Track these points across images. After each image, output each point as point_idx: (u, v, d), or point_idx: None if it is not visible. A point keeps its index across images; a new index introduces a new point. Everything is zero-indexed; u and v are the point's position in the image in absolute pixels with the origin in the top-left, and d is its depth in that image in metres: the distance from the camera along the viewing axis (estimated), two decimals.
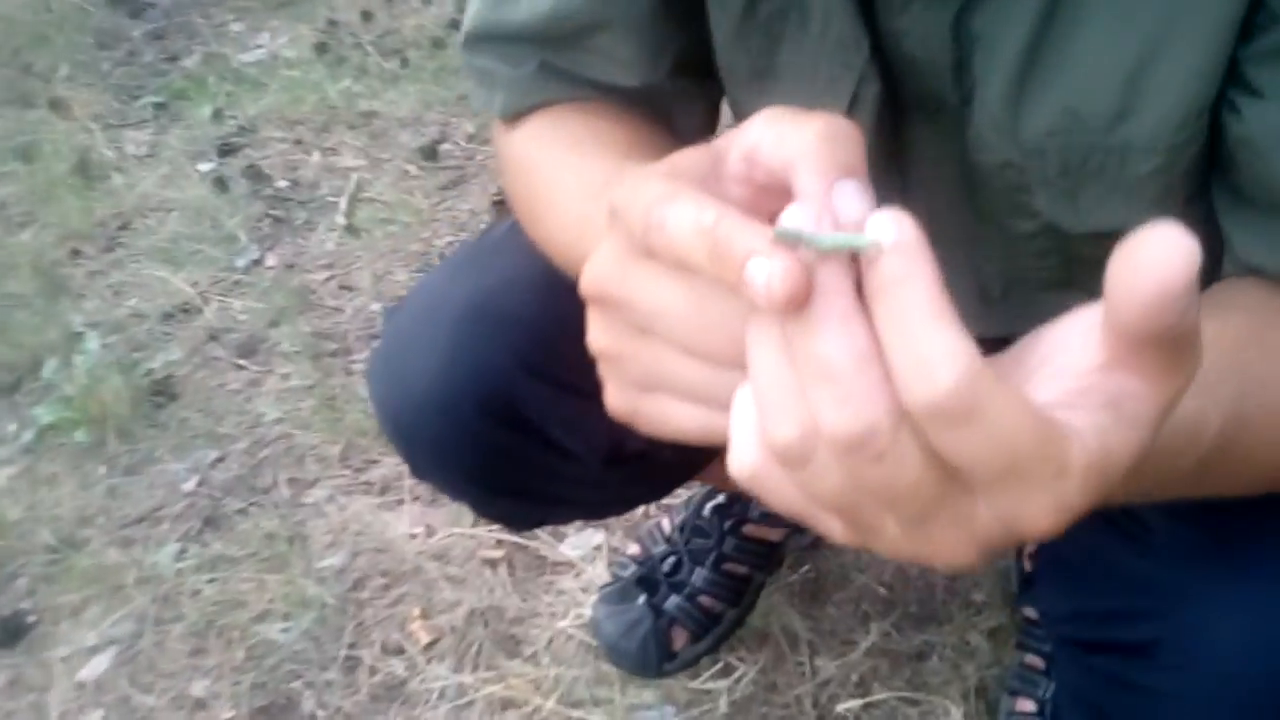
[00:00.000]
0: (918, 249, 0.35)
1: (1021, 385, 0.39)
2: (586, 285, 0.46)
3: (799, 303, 0.36)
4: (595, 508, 1.10)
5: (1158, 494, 0.54)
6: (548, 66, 0.77)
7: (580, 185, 0.71)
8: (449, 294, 0.88)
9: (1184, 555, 0.70)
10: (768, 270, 0.37)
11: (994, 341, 0.86)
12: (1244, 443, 0.56)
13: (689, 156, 0.45)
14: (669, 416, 0.46)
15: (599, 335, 0.46)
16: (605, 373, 0.48)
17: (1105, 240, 0.70)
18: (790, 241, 0.37)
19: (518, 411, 0.85)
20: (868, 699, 1.27)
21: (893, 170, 0.77)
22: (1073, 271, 0.77)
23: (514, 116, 0.80)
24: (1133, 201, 0.67)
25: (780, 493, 0.40)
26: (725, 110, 0.85)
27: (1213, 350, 0.53)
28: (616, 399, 0.47)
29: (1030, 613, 1.26)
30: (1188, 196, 0.68)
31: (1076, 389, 0.38)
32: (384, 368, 0.90)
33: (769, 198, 0.42)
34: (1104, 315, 0.36)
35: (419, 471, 0.94)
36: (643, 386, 0.46)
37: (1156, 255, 0.33)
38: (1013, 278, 0.80)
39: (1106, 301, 0.35)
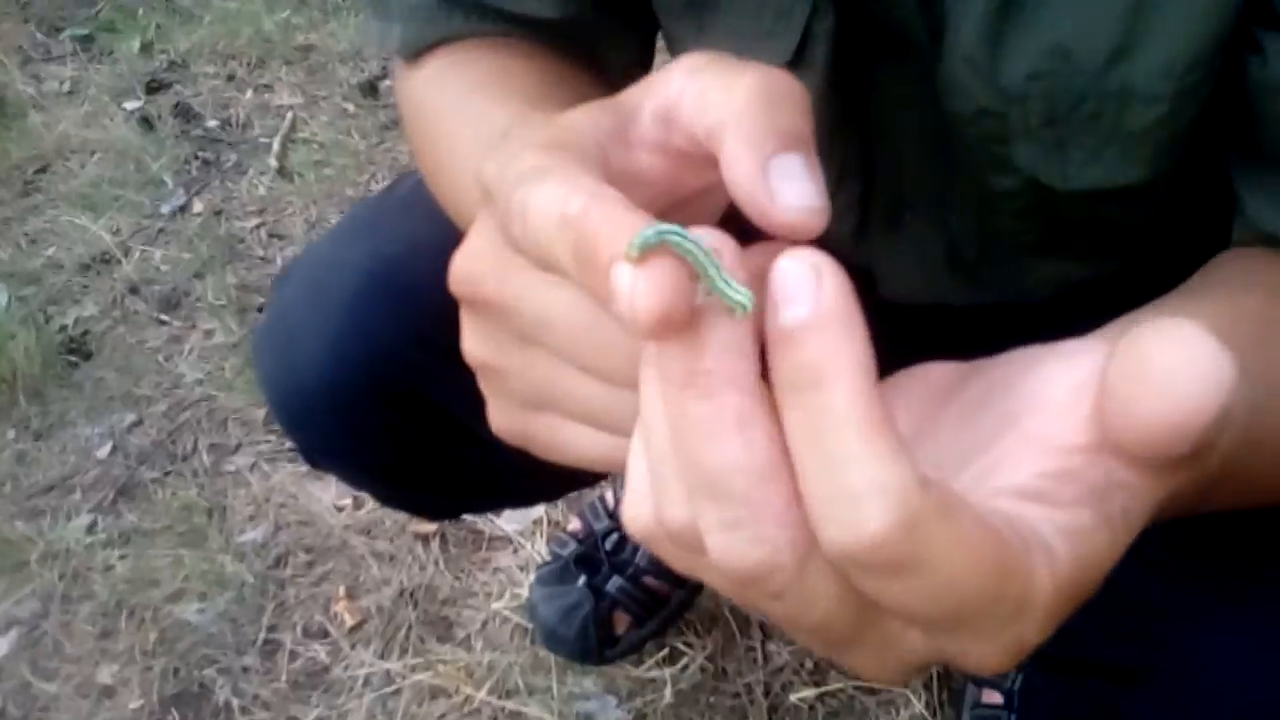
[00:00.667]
0: (844, 328, 0.25)
1: (986, 448, 0.29)
2: (455, 284, 0.38)
3: (672, 329, 0.27)
4: (521, 495, 1.00)
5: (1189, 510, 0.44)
6: None
7: (477, 137, 0.60)
8: (343, 261, 0.76)
9: (1182, 573, 0.61)
10: (631, 280, 0.27)
11: (963, 310, 0.77)
12: (1261, 447, 0.46)
13: (586, 115, 0.36)
14: (565, 441, 0.39)
15: (475, 344, 0.39)
16: (486, 388, 0.40)
17: (1096, 200, 0.59)
18: (654, 250, 0.26)
19: (422, 397, 0.74)
20: (823, 688, 1.18)
21: (851, 119, 0.66)
22: (1057, 234, 0.67)
23: (414, 54, 0.69)
24: (1130, 156, 0.57)
25: (678, 563, 0.31)
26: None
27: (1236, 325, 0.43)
28: (501, 419, 0.40)
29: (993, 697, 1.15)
30: (1193, 150, 0.58)
31: (1054, 471, 0.28)
32: (270, 346, 0.78)
33: (689, 169, 0.36)
34: (1098, 403, 0.28)
35: (314, 463, 0.83)
36: (532, 405, 0.39)
37: (1178, 381, 0.26)
38: (989, 240, 0.70)
39: (1105, 400, 0.27)
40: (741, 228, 0.33)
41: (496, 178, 0.35)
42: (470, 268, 0.37)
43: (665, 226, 0.28)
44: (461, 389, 0.74)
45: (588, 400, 0.36)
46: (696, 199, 0.38)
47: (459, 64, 0.67)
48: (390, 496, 0.90)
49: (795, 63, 0.63)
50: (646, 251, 0.27)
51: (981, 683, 1.14)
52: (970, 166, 0.64)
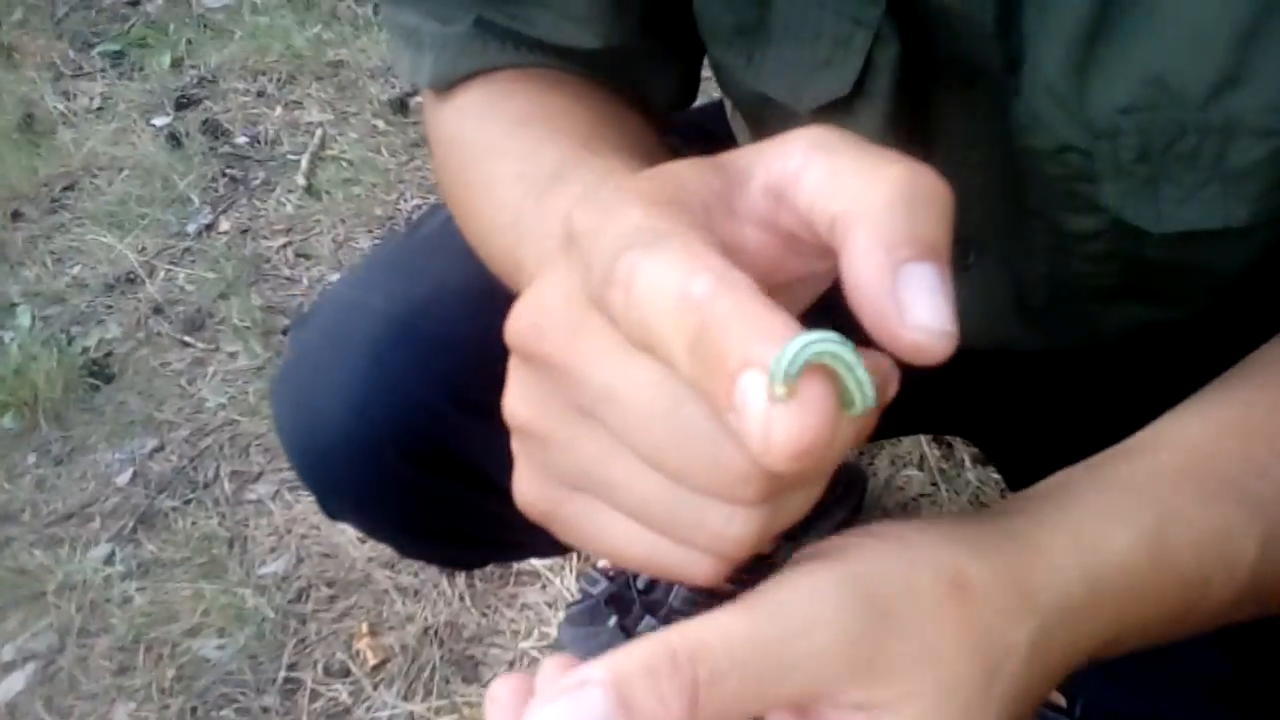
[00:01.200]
0: None
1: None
2: (514, 334, 0.33)
3: (811, 462, 0.27)
4: (551, 546, 0.94)
5: (1184, 632, 0.40)
6: (485, 24, 0.61)
7: (522, 175, 0.55)
8: (365, 305, 0.71)
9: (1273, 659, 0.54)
10: (769, 409, 0.26)
11: (1029, 355, 0.71)
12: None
13: (695, 173, 0.32)
14: (599, 529, 0.34)
15: (521, 404, 0.34)
16: (521, 453, 0.35)
17: (1187, 243, 0.53)
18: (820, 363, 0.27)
19: (449, 451, 0.69)
20: None
21: (915, 154, 0.60)
22: (1137, 280, 0.61)
23: (446, 86, 0.64)
24: (1232, 195, 0.51)
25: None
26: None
27: (1249, 439, 0.42)
28: (530, 490, 0.35)
29: (1056, 697, 1.08)
30: None
31: None
32: (288, 394, 0.73)
33: (795, 254, 0.32)
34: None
35: (332, 514, 0.78)
36: (570, 483, 0.34)
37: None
38: (1060, 284, 0.63)
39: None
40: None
41: (591, 229, 0.30)
42: (536, 319, 0.32)
43: (817, 338, 0.26)
44: (489, 444, 0.68)
45: (641, 494, 0.32)
46: (788, 288, 0.33)
47: (497, 96, 0.62)
48: (411, 549, 0.85)
49: (854, 95, 0.57)
50: (793, 379, 0.25)
51: None
52: (1046, 206, 0.58)
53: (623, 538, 0.33)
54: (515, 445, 0.35)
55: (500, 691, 0.34)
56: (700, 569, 0.32)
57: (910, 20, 0.54)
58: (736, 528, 0.31)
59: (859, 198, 0.29)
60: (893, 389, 0.32)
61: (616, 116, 0.61)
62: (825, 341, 0.26)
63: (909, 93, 0.57)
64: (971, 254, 0.62)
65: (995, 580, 0.34)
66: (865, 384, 0.28)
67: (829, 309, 0.36)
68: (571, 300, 0.31)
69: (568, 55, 0.62)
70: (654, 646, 0.31)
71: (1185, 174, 0.51)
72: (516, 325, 0.33)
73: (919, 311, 0.28)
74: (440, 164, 0.64)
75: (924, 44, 0.55)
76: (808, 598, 0.32)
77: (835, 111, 0.58)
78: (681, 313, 0.27)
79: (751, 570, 0.35)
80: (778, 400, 0.26)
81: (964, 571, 0.34)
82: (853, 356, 0.27)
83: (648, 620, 1.17)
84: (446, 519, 0.75)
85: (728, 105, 0.81)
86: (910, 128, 0.59)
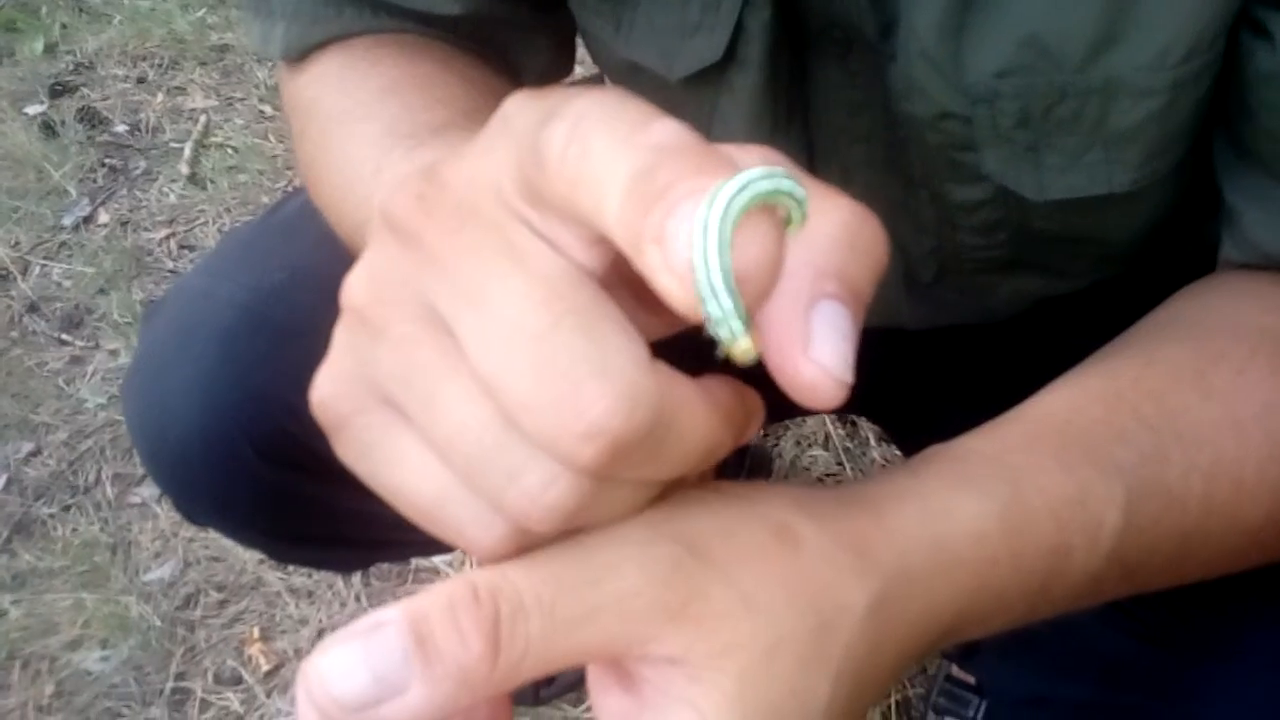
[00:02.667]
0: None
1: None
2: (394, 203, 0.28)
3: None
4: (434, 545, 0.91)
5: (1051, 606, 0.38)
6: None
7: (391, 133, 0.52)
8: (215, 294, 0.67)
9: (1179, 639, 0.53)
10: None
11: (923, 334, 0.69)
12: (1177, 521, 0.41)
13: None
14: (392, 458, 0.29)
15: (368, 282, 0.29)
16: (343, 340, 0.30)
17: (1072, 211, 0.52)
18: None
19: (307, 447, 0.65)
20: None
21: (794, 124, 0.58)
22: (1026, 250, 0.59)
23: (299, 56, 0.60)
24: (1115, 160, 0.50)
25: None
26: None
27: (1113, 407, 0.41)
28: (333, 386, 0.30)
29: (960, 672, 1.08)
30: (1184, 154, 0.51)
31: None
32: (139, 390, 0.69)
33: None
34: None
35: (193, 519, 0.73)
36: (384, 393, 0.29)
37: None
38: (949, 257, 0.62)
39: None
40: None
41: (531, 100, 0.28)
42: (425, 193, 0.28)
43: (762, 175, 0.24)
44: None
45: (461, 422, 0.27)
46: None
47: (360, 63, 0.58)
48: (284, 554, 0.80)
49: (726, 62, 0.55)
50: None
51: (943, 711, 1.07)
52: (930, 176, 0.57)
53: (414, 472, 0.29)
54: (339, 330, 0.30)
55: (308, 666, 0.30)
56: (486, 535, 0.28)
57: None
58: (553, 494, 0.27)
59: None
60: (755, 427, 0.31)
61: (494, 89, 0.58)
62: (782, 178, 0.24)
63: (785, 60, 0.55)
64: None
65: (827, 537, 0.32)
66: (804, 204, 0.26)
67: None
68: (476, 182, 0.27)
69: (430, 20, 0.59)
70: (455, 584, 0.28)
71: (1066, 139, 0.50)
72: (401, 195, 0.28)
73: (825, 348, 0.26)
74: (299, 133, 0.60)
75: (797, 8, 0.53)
76: (619, 539, 0.29)
77: (709, 80, 0.56)
78: (633, 146, 0.24)
79: None
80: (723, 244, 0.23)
81: (792, 525, 0.31)
82: (800, 189, 0.25)
83: None
84: (313, 519, 0.71)
85: (606, 82, 0.78)
86: (789, 97, 0.57)
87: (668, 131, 0.25)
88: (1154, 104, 0.48)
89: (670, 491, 0.31)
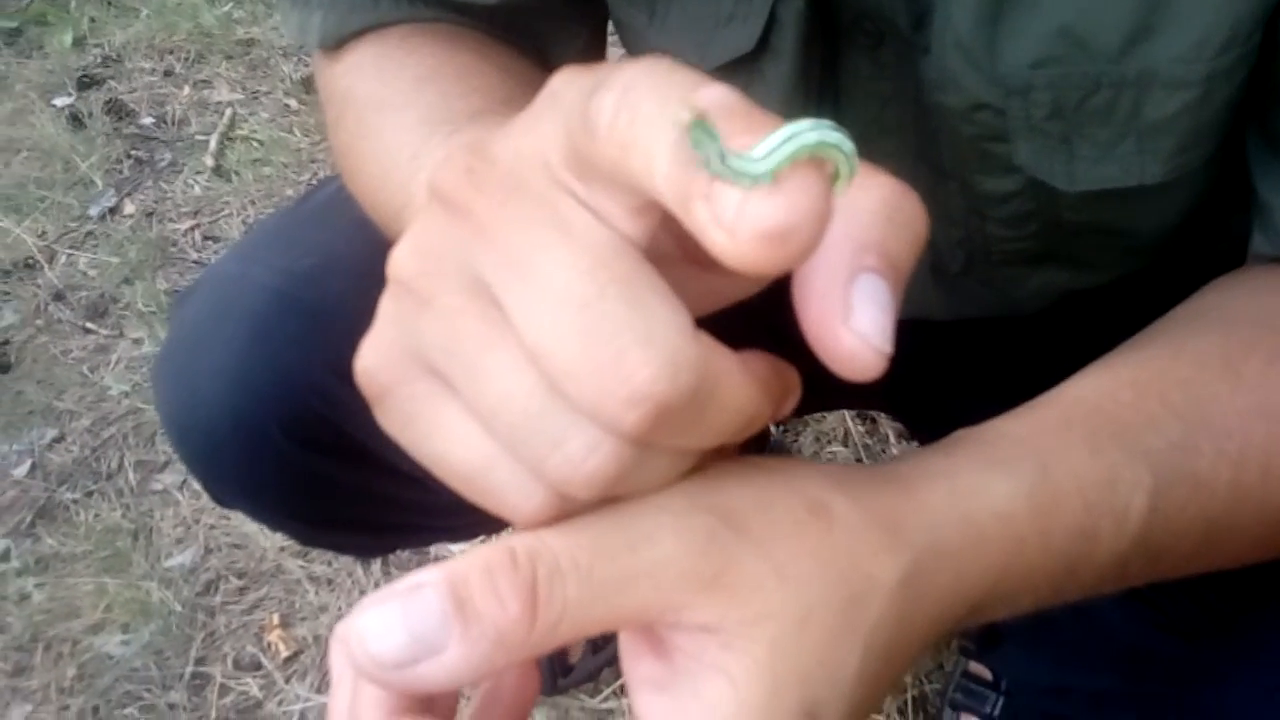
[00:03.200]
0: None
1: None
2: (444, 177, 0.28)
3: (780, 254, 0.24)
4: (458, 531, 0.91)
5: (1077, 589, 0.38)
6: None
7: (429, 120, 0.52)
8: (249, 278, 0.67)
9: (1200, 628, 0.53)
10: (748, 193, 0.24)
11: (948, 326, 0.69)
12: (1204, 508, 0.40)
13: None
14: (436, 427, 0.30)
15: (416, 253, 0.29)
16: (389, 310, 0.30)
17: (1103, 202, 0.52)
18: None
19: (339, 430, 0.65)
20: None
21: (824, 115, 0.58)
22: (1054, 242, 0.59)
23: (336, 44, 0.60)
24: (1148, 152, 0.50)
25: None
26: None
27: (1142, 393, 0.41)
28: (378, 356, 0.30)
29: (978, 668, 1.08)
30: (1216, 147, 0.50)
31: None
32: (170, 374, 0.69)
33: None
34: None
35: (221, 501, 0.74)
36: (429, 363, 0.29)
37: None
38: (977, 248, 0.62)
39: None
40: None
41: (579, 74, 0.28)
42: (474, 167, 0.28)
43: (810, 126, 0.24)
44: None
45: (506, 391, 0.27)
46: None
47: (397, 51, 0.58)
48: (310, 537, 0.81)
49: (759, 52, 0.55)
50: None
51: (960, 707, 1.07)
52: (960, 167, 0.57)
53: (459, 441, 0.29)
54: (385, 301, 0.30)
55: (342, 631, 0.30)
56: (527, 503, 0.29)
57: None
58: (595, 460, 0.27)
59: (847, 201, 0.27)
60: (793, 401, 0.31)
61: (530, 78, 0.58)
62: (825, 130, 0.24)
63: (817, 51, 0.55)
64: None
65: (859, 512, 0.32)
66: (854, 160, 0.26)
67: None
68: (524, 156, 0.28)
69: (465, 10, 0.59)
70: (493, 548, 0.28)
71: (1099, 130, 0.50)
72: (449, 168, 0.28)
73: (864, 319, 0.26)
74: (335, 121, 0.61)
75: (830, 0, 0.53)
76: (656, 508, 0.30)
77: (741, 70, 0.56)
78: (681, 108, 0.24)
79: None
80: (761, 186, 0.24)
81: (825, 500, 0.32)
82: (849, 143, 0.25)
83: None
84: (340, 502, 0.71)
85: None
86: (820, 88, 0.57)
87: (716, 94, 0.25)
88: (1188, 96, 0.47)
89: (707, 464, 0.31)
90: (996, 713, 1.05)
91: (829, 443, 1.33)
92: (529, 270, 0.26)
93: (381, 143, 0.54)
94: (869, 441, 1.32)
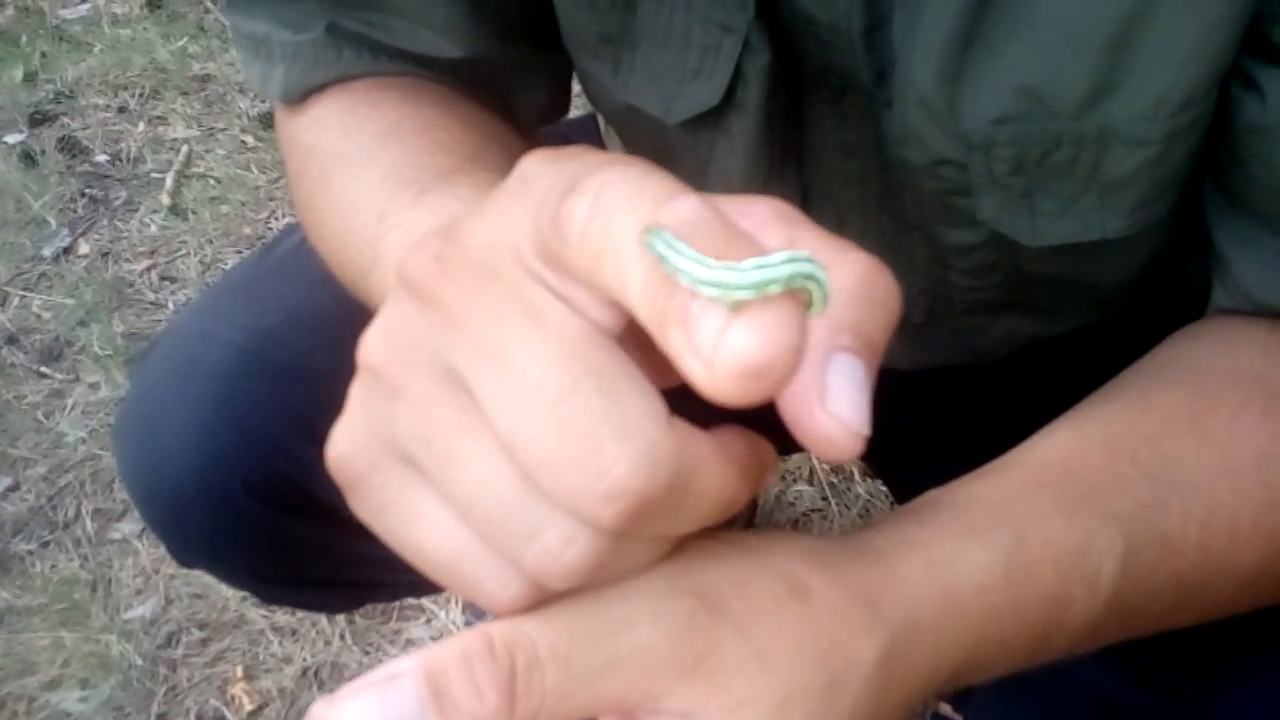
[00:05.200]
0: None
1: None
2: (413, 264, 0.28)
3: (753, 388, 0.24)
4: (423, 586, 0.90)
5: (1050, 654, 0.39)
6: (339, 30, 0.58)
7: (393, 178, 0.52)
8: (212, 335, 0.67)
9: (1179, 679, 0.54)
10: (728, 321, 0.24)
11: (910, 375, 0.69)
12: (1174, 569, 0.41)
13: None
14: (410, 517, 0.30)
15: (386, 341, 0.29)
16: (359, 398, 0.30)
17: (1065, 255, 0.52)
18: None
19: (303, 490, 0.65)
20: None
21: (789, 167, 0.58)
22: (1017, 292, 0.60)
23: (299, 98, 0.60)
24: (1109, 206, 0.51)
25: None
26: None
27: (1112, 454, 0.42)
28: (350, 444, 0.30)
29: (947, 709, 1.08)
30: (1176, 199, 0.51)
31: None
32: (133, 432, 0.68)
33: None
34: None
35: (184, 561, 0.73)
36: (403, 451, 0.29)
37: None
38: (940, 298, 0.62)
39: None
40: None
41: (551, 161, 0.28)
42: (444, 255, 0.28)
43: (790, 257, 0.24)
44: None
45: (482, 481, 0.27)
46: None
47: (360, 106, 0.58)
48: (273, 596, 0.80)
49: (724, 106, 0.55)
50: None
51: None
52: (924, 219, 0.57)
53: (434, 529, 0.29)
54: (356, 389, 0.30)
55: (320, 713, 0.30)
56: (504, 591, 0.29)
57: (779, 29, 0.52)
58: (573, 552, 0.27)
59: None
60: (770, 477, 0.31)
61: (495, 132, 0.59)
62: (806, 262, 0.24)
63: (781, 105, 0.55)
64: None
65: (838, 591, 0.32)
66: (827, 288, 0.25)
67: None
68: (494, 244, 0.27)
69: (428, 64, 0.59)
70: (471, 637, 0.28)
71: (1061, 185, 0.51)
72: (419, 255, 0.28)
73: (841, 401, 0.26)
74: (297, 175, 0.60)
75: (794, 53, 0.53)
76: (635, 592, 0.30)
77: (706, 124, 0.57)
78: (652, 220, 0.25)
79: None
80: (740, 310, 0.23)
81: (804, 579, 0.32)
82: (823, 273, 0.25)
83: None
84: (305, 562, 0.71)
85: (600, 121, 0.78)
86: (784, 141, 0.57)
87: (689, 208, 0.25)
88: (1148, 153, 0.48)
89: (684, 542, 0.31)
90: None
91: (794, 481, 1.34)
92: (501, 361, 0.26)
93: (346, 199, 0.54)
94: (834, 480, 1.33)
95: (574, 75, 0.66)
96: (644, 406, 0.26)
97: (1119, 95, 0.47)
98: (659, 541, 0.30)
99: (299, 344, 0.65)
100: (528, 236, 0.27)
